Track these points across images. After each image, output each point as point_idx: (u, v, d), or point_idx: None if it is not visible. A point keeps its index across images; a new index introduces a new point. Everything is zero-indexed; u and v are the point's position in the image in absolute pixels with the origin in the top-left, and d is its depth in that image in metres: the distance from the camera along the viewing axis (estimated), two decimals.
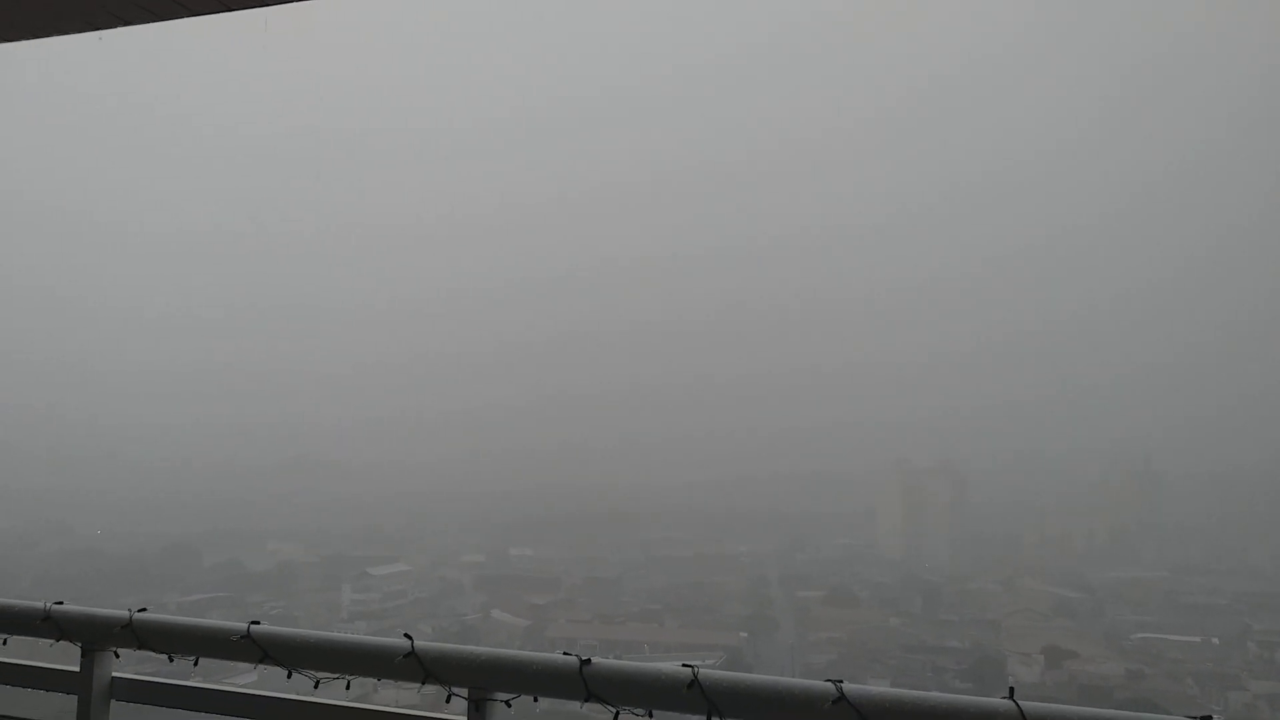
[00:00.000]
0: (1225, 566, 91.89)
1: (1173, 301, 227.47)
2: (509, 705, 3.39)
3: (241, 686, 4.05)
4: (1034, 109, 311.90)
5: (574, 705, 3.24)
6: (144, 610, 3.98)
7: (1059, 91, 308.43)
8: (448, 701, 3.42)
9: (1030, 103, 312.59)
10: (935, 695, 2.82)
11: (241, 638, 3.67)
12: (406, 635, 3.48)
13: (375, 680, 3.64)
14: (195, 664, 3.86)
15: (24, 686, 4.32)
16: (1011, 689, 2.77)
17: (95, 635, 4.00)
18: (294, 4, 4.01)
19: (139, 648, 3.91)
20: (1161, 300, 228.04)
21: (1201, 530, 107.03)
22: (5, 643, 4.25)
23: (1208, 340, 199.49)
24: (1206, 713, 2.96)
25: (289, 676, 3.65)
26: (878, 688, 2.94)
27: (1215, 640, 65.29)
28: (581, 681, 3.14)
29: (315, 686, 3.56)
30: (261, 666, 3.71)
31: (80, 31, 4.56)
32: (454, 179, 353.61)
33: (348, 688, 3.55)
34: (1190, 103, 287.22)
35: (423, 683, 3.35)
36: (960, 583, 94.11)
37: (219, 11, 4.01)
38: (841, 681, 2.88)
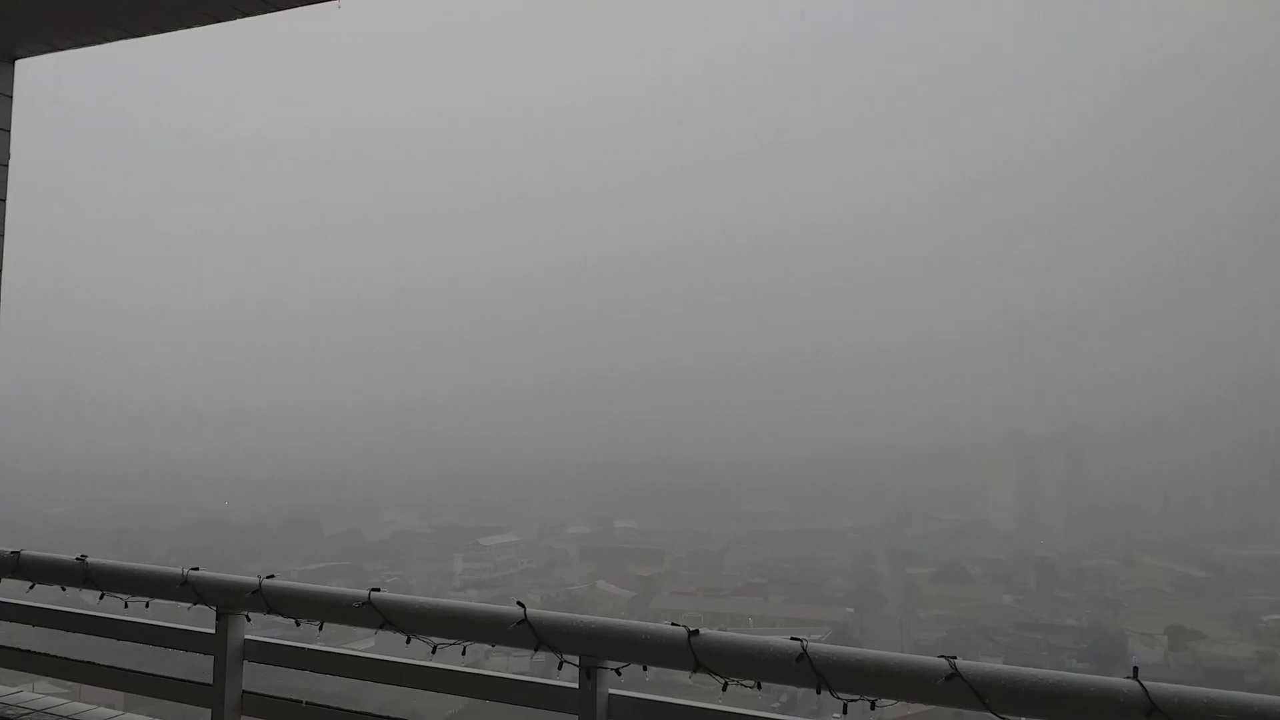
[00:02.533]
0: None
1: None
2: (619, 674, 3.46)
3: (363, 651, 4.24)
4: (1106, 69, 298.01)
5: (682, 675, 3.28)
6: (272, 577, 4.18)
7: (1119, 55, 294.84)
8: (560, 669, 3.50)
9: (1101, 64, 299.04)
10: (1054, 673, 2.75)
11: (363, 604, 3.83)
12: (519, 603, 3.56)
13: (488, 647, 3.75)
14: (320, 629, 4.04)
15: (164, 647, 4.63)
16: (1135, 669, 2.67)
17: (229, 600, 4.24)
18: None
19: (269, 612, 4.12)
20: None
21: None
22: (148, 605, 4.55)
23: None
24: None
25: (408, 642, 3.79)
26: (993, 664, 2.89)
27: None
28: (690, 652, 3.18)
29: (433, 652, 3.68)
30: (380, 632, 3.86)
31: (199, 25, 4.69)
32: (551, 165, 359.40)
33: (464, 653, 3.66)
34: (1251, 61, 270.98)
35: (535, 649, 3.43)
36: (1077, 559, 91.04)
37: None
38: (955, 658, 2.83)
